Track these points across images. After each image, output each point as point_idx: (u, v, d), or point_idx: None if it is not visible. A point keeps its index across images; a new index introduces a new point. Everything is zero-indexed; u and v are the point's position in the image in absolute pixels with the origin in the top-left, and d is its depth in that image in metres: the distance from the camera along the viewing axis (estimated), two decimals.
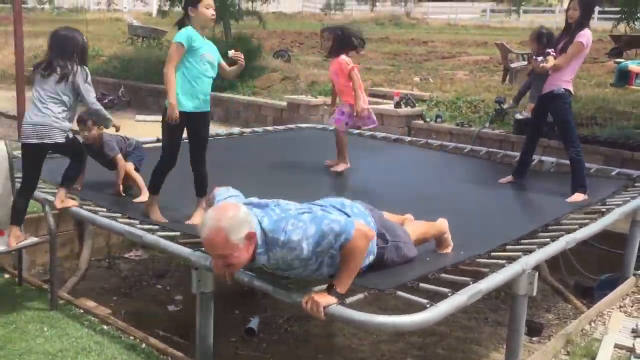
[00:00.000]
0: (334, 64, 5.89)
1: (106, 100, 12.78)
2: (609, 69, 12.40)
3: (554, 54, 5.17)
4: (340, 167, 6.03)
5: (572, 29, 5.21)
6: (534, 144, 5.75)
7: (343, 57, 5.82)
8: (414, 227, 3.67)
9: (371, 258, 3.26)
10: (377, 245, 3.29)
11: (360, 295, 3.09)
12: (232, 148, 7.08)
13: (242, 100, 11.54)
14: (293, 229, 2.85)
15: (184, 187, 5.34)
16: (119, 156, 4.91)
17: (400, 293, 3.10)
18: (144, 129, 9.99)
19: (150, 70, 13.67)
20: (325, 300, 2.88)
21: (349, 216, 3.13)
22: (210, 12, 4.27)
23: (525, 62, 10.62)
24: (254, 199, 3.13)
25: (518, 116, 5.77)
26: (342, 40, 5.83)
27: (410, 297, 3.04)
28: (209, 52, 4.37)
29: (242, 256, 2.83)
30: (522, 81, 9.77)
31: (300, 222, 2.88)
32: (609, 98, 9.13)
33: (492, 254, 3.75)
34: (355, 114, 5.82)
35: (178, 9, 13.86)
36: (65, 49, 4.10)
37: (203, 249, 3.55)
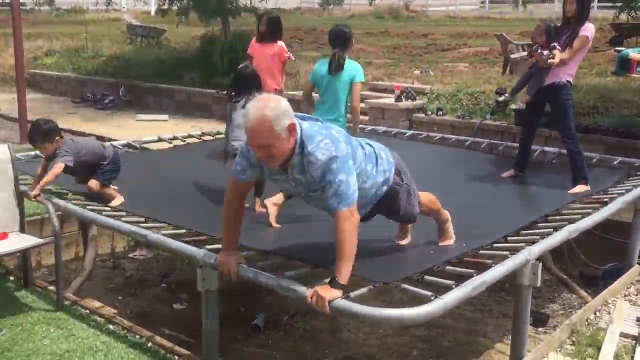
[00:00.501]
0: (272, 47, 6.08)
1: (107, 101, 12.79)
2: (609, 58, 12.35)
3: (559, 48, 5.17)
4: None
5: (571, 22, 5.20)
6: (532, 134, 5.75)
7: (281, 43, 6.10)
8: (424, 195, 3.70)
9: (384, 189, 3.32)
10: (393, 179, 3.36)
11: (364, 289, 3.09)
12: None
13: None
14: (324, 147, 2.90)
15: (190, 188, 5.36)
16: (59, 164, 4.43)
17: (405, 286, 3.11)
18: (145, 129, 10.02)
19: (151, 69, 13.67)
20: (330, 294, 2.89)
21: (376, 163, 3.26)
22: None
23: (525, 53, 10.59)
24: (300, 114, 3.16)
25: (513, 106, 5.78)
26: (278, 26, 6.15)
27: (415, 290, 3.05)
28: None
29: (283, 147, 2.87)
30: (522, 72, 9.75)
31: (334, 147, 2.91)
32: (610, 87, 9.10)
33: (495, 245, 3.75)
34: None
35: (177, 7, 13.82)
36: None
37: (208, 246, 3.58)
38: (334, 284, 2.92)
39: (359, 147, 3.23)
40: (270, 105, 2.85)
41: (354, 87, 4.97)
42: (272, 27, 6.08)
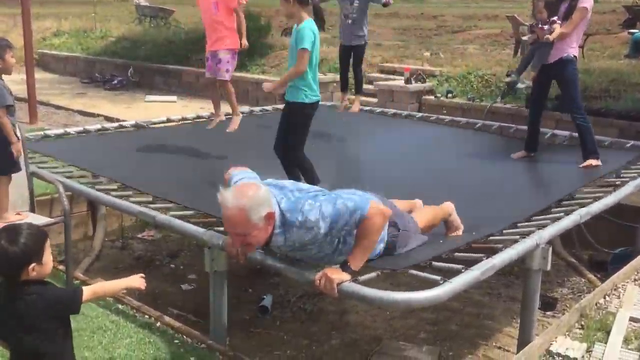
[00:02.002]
0: None
1: (115, 81, 12.77)
2: (622, 40, 12.17)
3: (559, 21, 5.14)
4: (236, 124, 5.44)
5: None
6: (540, 113, 5.72)
7: None
8: (422, 215, 3.66)
9: (381, 246, 3.26)
10: (389, 233, 3.27)
11: (372, 274, 3.09)
12: (241, 126, 7.07)
13: (252, 79, 11.48)
14: (310, 208, 2.86)
15: (198, 168, 5.36)
16: None
17: (413, 271, 3.10)
18: (154, 110, 10.00)
19: (159, 50, 13.61)
20: (339, 276, 2.88)
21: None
22: None
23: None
24: (272, 180, 3.13)
25: (520, 85, 5.73)
26: None
27: (424, 275, 3.04)
28: None
29: (260, 235, 2.85)
30: None
31: (317, 202, 2.90)
32: (623, 70, 8.97)
33: (505, 231, 3.73)
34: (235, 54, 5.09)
35: None
36: None
37: (216, 228, 3.57)
38: (345, 267, 2.91)
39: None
40: (248, 194, 2.80)
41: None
42: None
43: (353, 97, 7.00)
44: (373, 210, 2.89)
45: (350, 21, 6.40)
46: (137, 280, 2.51)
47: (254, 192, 2.83)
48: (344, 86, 7.12)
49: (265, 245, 3.01)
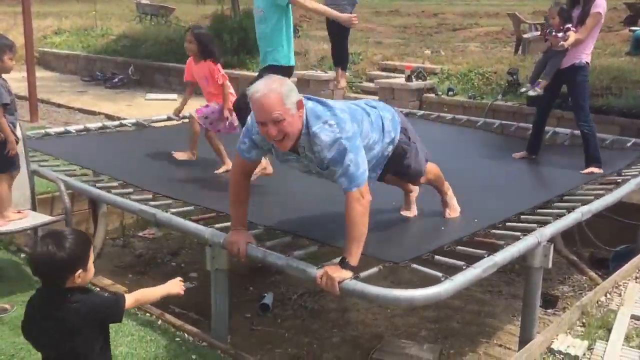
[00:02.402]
0: (202, 67, 5.22)
1: (116, 80, 12.77)
2: (623, 38, 12.16)
3: (574, 29, 5.09)
4: (183, 156, 5.39)
5: (581, 0, 5.12)
6: (546, 118, 5.70)
7: (212, 62, 5.20)
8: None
9: (391, 148, 3.34)
10: (400, 138, 3.37)
11: (374, 269, 3.08)
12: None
13: (253, 76, 11.46)
14: (328, 128, 2.87)
15: (199, 166, 5.36)
16: None
17: (415, 266, 3.10)
18: (155, 108, 10.00)
19: (160, 48, 13.61)
20: (340, 275, 2.88)
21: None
22: None
23: (538, 32, 10.44)
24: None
25: (531, 93, 5.67)
26: (205, 43, 5.23)
27: (425, 270, 3.04)
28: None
29: (294, 123, 2.83)
30: (535, 52, 9.62)
31: (338, 128, 2.88)
32: (624, 67, 8.95)
33: (508, 224, 3.73)
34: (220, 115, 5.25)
35: None
36: None
37: (217, 225, 3.57)
38: (344, 264, 2.91)
39: (365, 118, 3.18)
40: (277, 81, 2.87)
41: None
42: (199, 44, 5.18)
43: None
44: (356, 194, 2.88)
45: None
46: (176, 286, 2.50)
47: (282, 79, 2.90)
48: (336, 61, 6.98)
49: (294, 147, 2.95)
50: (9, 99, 3.94)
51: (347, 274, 2.89)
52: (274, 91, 2.79)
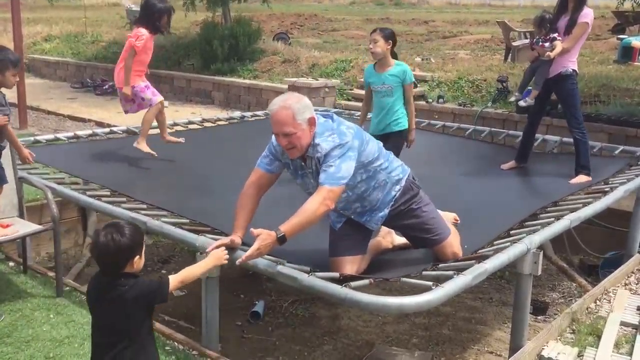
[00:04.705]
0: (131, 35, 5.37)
1: (106, 86, 12.73)
2: (611, 46, 12.29)
3: (560, 38, 5.12)
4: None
5: (569, 9, 5.16)
6: (536, 127, 5.72)
7: (141, 29, 5.32)
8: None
9: (397, 189, 3.40)
10: (407, 180, 3.44)
11: (365, 281, 3.08)
12: (233, 132, 7.06)
13: (243, 84, 11.48)
14: (330, 140, 3.14)
15: (189, 174, 5.35)
16: None
17: (405, 279, 3.10)
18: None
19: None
20: (267, 248, 2.98)
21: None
22: None
23: (527, 41, 10.53)
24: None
25: (522, 103, 5.70)
26: (145, 11, 5.36)
27: (415, 282, 3.04)
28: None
29: (303, 137, 3.11)
30: (524, 60, 9.69)
31: (339, 139, 3.13)
32: (612, 75, 9.05)
33: (495, 242, 3.71)
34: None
35: None
36: None
37: (208, 235, 3.56)
38: (278, 233, 2.98)
39: (373, 141, 3.36)
40: (294, 98, 3.15)
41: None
42: (141, 10, 5.36)
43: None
44: (326, 192, 3.05)
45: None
46: (219, 258, 2.78)
47: (299, 97, 3.19)
48: None
49: (303, 155, 3.19)
50: (6, 112, 3.93)
51: (274, 244, 2.98)
52: (287, 108, 3.08)
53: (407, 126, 5.22)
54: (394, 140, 5.10)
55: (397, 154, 4.95)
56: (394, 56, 5.22)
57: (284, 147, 3.16)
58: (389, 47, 5.07)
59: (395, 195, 3.39)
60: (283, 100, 3.13)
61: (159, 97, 5.59)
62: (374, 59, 5.20)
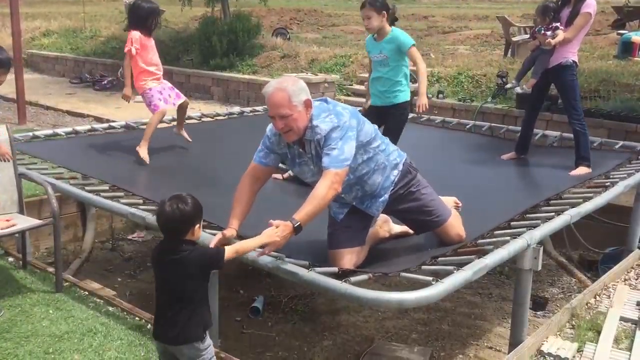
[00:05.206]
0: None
1: (105, 82, 12.71)
2: (612, 41, 12.26)
3: (562, 27, 5.11)
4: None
5: (572, 1, 5.14)
6: (535, 117, 5.71)
7: (132, 32, 5.42)
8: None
9: (395, 173, 3.39)
10: (404, 163, 3.44)
11: (364, 276, 3.08)
12: (232, 127, 7.05)
13: (243, 79, 11.46)
14: (328, 120, 3.13)
15: (189, 169, 5.34)
16: None
17: (404, 274, 3.09)
18: (144, 110, 9.94)
19: None
20: (285, 238, 2.96)
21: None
22: None
23: (527, 36, 10.50)
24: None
25: (518, 90, 5.70)
26: (131, 13, 5.52)
27: (415, 277, 3.03)
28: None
29: (300, 119, 3.10)
30: (524, 55, 9.68)
31: (336, 119, 3.13)
32: (612, 70, 9.03)
33: (496, 232, 3.72)
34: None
35: None
36: None
37: (207, 230, 3.55)
38: (294, 223, 2.97)
39: (368, 123, 3.34)
40: (289, 80, 3.14)
41: None
42: (128, 14, 5.46)
43: None
44: (333, 175, 3.04)
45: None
46: (272, 237, 2.91)
47: (295, 79, 3.18)
48: None
49: (301, 140, 3.17)
50: None
51: (290, 234, 2.98)
52: (283, 90, 3.07)
53: (406, 99, 5.05)
54: (393, 116, 5.01)
55: (398, 131, 4.99)
56: (393, 22, 5.01)
57: (280, 130, 3.13)
58: (383, 17, 4.88)
59: (394, 179, 3.39)
60: (279, 82, 3.12)
61: (168, 106, 5.58)
62: (374, 34, 5.03)
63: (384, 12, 4.88)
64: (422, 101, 4.91)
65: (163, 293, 2.69)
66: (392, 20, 5.00)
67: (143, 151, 5.32)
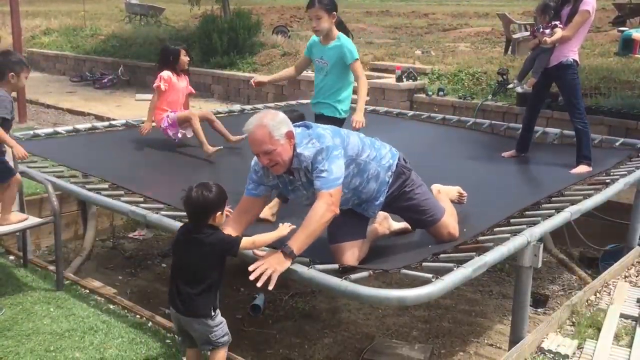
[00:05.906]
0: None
1: (105, 80, 12.71)
2: (612, 38, 12.25)
3: (561, 25, 5.10)
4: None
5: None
6: (535, 116, 5.70)
7: (162, 72, 5.65)
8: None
9: (390, 174, 3.40)
10: (397, 164, 3.43)
11: (364, 273, 3.08)
12: (232, 125, 7.05)
13: (243, 77, 11.46)
14: (310, 146, 3.14)
15: (189, 167, 5.34)
16: None
17: (404, 271, 3.10)
18: (144, 108, 9.94)
19: (150, 48, 13.57)
20: (282, 266, 2.96)
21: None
22: None
23: (528, 33, 10.49)
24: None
25: (519, 89, 5.68)
26: (162, 56, 5.80)
27: (415, 274, 3.04)
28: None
29: (284, 153, 3.10)
30: (524, 52, 9.67)
31: (319, 142, 3.13)
32: (613, 67, 9.02)
33: (496, 229, 3.72)
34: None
35: None
36: None
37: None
38: (286, 250, 2.97)
39: (353, 134, 3.36)
40: (268, 115, 3.11)
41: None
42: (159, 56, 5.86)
43: None
44: (327, 197, 3.04)
45: None
46: (286, 231, 3.06)
47: (273, 114, 3.17)
48: None
49: (289, 169, 3.17)
50: (10, 116, 3.92)
51: (288, 263, 2.97)
52: (263, 126, 3.05)
53: (340, 115, 4.63)
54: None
55: None
56: (342, 28, 4.67)
57: (266, 165, 3.13)
58: (333, 19, 4.51)
59: (388, 181, 3.41)
60: (258, 119, 3.09)
61: (178, 134, 5.76)
62: (320, 36, 4.62)
63: (334, 13, 4.52)
64: (358, 117, 4.54)
65: (179, 274, 2.89)
66: (338, 24, 4.65)
67: (209, 149, 5.43)
